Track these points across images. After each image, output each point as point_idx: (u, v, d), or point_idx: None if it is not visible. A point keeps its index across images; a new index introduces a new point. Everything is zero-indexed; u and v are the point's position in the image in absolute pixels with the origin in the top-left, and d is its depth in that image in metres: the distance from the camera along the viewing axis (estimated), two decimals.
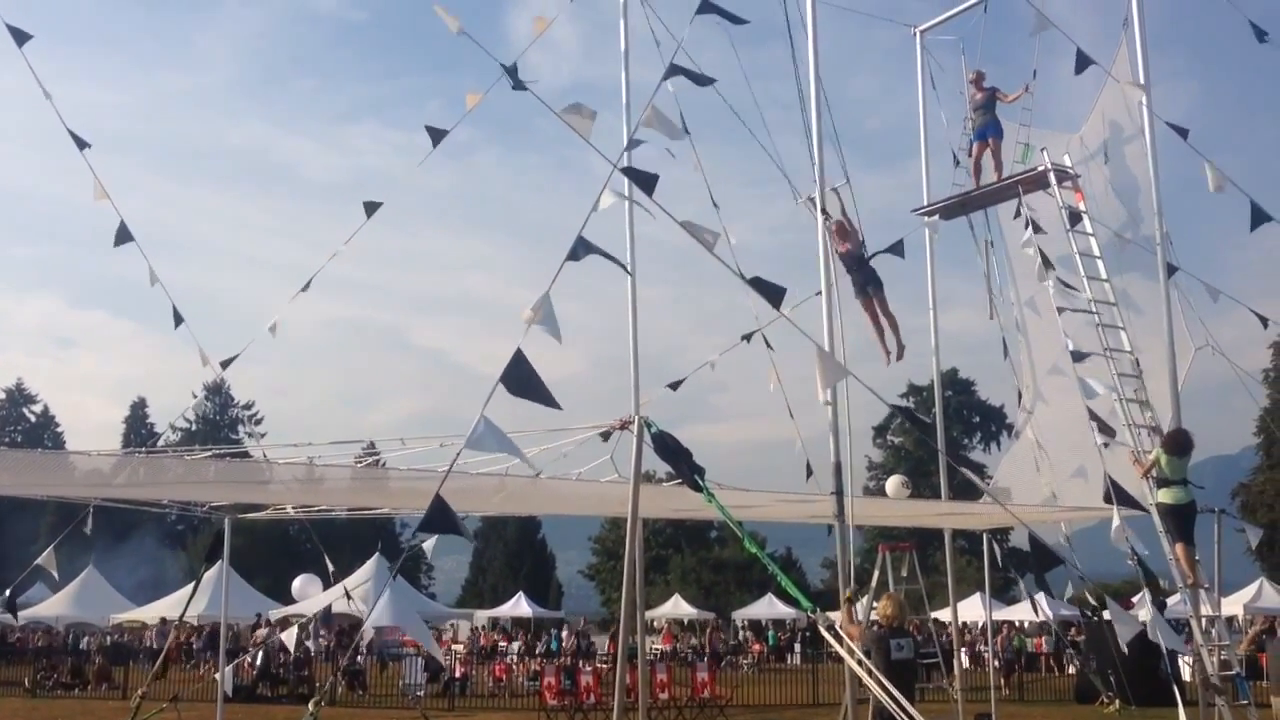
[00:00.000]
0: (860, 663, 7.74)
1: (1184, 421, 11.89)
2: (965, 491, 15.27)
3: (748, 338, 13.44)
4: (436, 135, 11.22)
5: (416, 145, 11.53)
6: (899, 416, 61.92)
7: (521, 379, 6.06)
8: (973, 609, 36.26)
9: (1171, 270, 12.44)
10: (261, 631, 34.15)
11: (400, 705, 24.55)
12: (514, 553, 74.15)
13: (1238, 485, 55.95)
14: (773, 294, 7.47)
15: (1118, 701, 19.20)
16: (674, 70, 8.64)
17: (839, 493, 10.33)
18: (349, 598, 18.70)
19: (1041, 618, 30.17)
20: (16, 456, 14.19)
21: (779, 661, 41.46)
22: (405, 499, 11.64)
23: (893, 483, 15.08)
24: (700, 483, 7.41)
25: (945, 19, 15.28)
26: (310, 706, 6.69)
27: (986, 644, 30.12)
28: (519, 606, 52.62)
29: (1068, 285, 12.73)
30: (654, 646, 37.61)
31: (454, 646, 37.37)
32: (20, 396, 77.31)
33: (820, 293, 11.36)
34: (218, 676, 16.73)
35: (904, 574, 15.43)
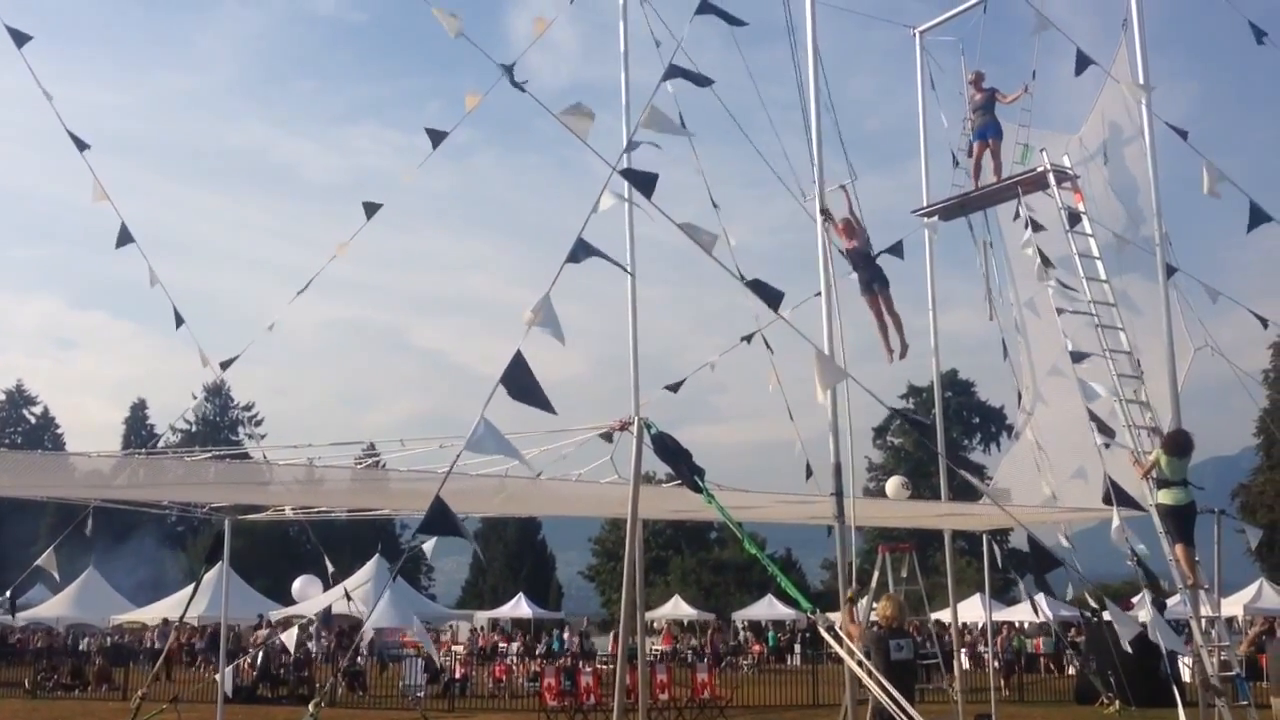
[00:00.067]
0: (860, 663, 7.74)
1: (1184, 422, 11.89)
2: (965, 492, 15.27)
3: (748, 339, 13.45)
4: (436, 137, 11.22)
5: (416, 146, 11.51)
6: (898, 418, 62.00)
7: (520, 381, 6.06)
8: (973, 610, 36.26)
9: (1171, 271, 12.43)
10: (262, 632, 34.18)
11: (400, 706, 24.56)
12: (514, 554, 74.13)
13: (1237, 486, 55.93)
14: (771, 297, 7.47)
15: (1117, 702, 19.18)
16: (673, 71, 8.63)
17: (839, 494, 10.33)
18: (349, 599, 18.68)
19: (1042, 619, 30.19)
20: (16, 458, 14.21)
21: (779, 662, 41.47)
22: (405, 500, 11.64)
23: (893, 484, 15.07)
24: (700, 484, 7.41)
25: (945, 19, 15.29)
26: (310, 707, 6.69)
27: (986, 645, 30.12)
28: (519, 607, 52.61)
29: (1067, 286, 12.73)
30: (654, 647, 37.61)
31: (454, 647, 37.38)
32: (20, 398, 77.33)
33: (820, 294, 11.37)
34: (218, 677, 16.73)
35: (904, 575, 15.43)
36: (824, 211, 11.59)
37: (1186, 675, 15.61)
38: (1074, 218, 13.10)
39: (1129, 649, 11.09)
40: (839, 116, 12.95)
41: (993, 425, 68.59)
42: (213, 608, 32.87)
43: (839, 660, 8.93)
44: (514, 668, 30.84)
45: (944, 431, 15.90)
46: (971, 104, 14.54)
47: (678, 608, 53.28)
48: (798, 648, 42.52)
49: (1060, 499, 13.19)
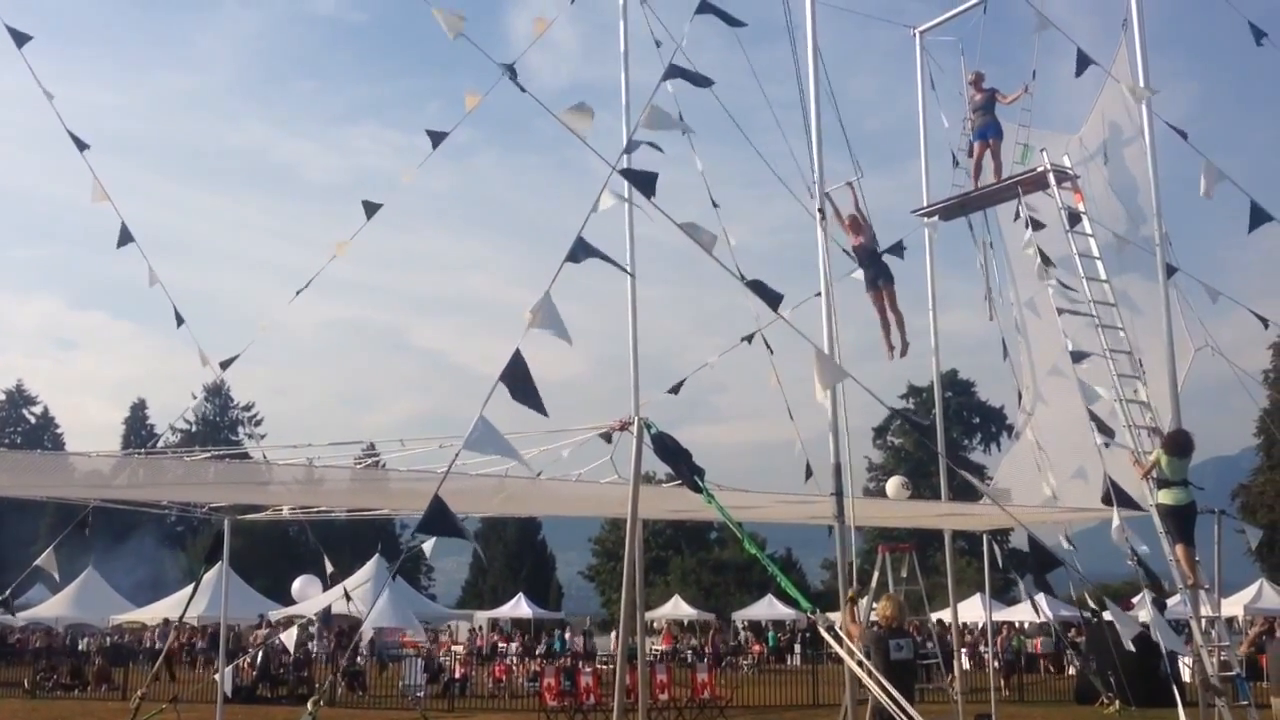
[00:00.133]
0: (860, 663, 7.73)
1: (1184, 422, 11.89)
2: (965, 492, 15.27)
3: (748, 339, 13.44)
4: (436, 137, 11.22)
5: (416, 146, 11.50)
6: (898, 418, 62.02)
7: (518, 381, 6.05)
8: (973, 610, 36.26)
9: (1171, 271, 12.43)
10: (262, 632, 34.18)
11: (400, 706, 24.56)
12: (514, 554, 74.13)
13: (1238, 486, 55.92)
14: (771, 297, 7.47)
15: (1118, 702, 19.18)
16: (673, 71, 8.63)
17: (839, 494, 10.32)
18: (348, 599, 18.68)
19: (1042, 619, 30.18)
20: (16, 458, 14.21)
21: (779, 662, 41.48)
22: (405, 500, 11.64)
23: (893, 484, 15.08)
24: (700, 484, 7.41)
25: (945, 20, 15.29)
26: (309, 706, 6.67)
27: (987, 645, 30.12)
28: (519, 607, 52.62)
29: (1067, 286, 12.73)
30: (654, 647, 37.62)
31: (454, 647, 37.41)
32: (20, 398, 77.34)
33: (820, 294, 11.36)
34: (217, 677, 16.73)
35: (904, 575, 15.43)
36: (820, 211, 11.59)
37: (1186, 675, 15.60)
38: (1074, 218, 13.09)
39: (1131, 648, 11.08)
40: (840, 115, 12.97)
41: (993, 425, 68.60)
42: (212, 608, 32.88)
43: (839, 660, 8.93)
44: (513, 668, 30.84)
45: (944, 431, 15.90)
46: (971, 104, 14.54)
47: (678, 608, 53.30)
48: (798, 648, 42.53)
49: (1060, 499, 13.19)
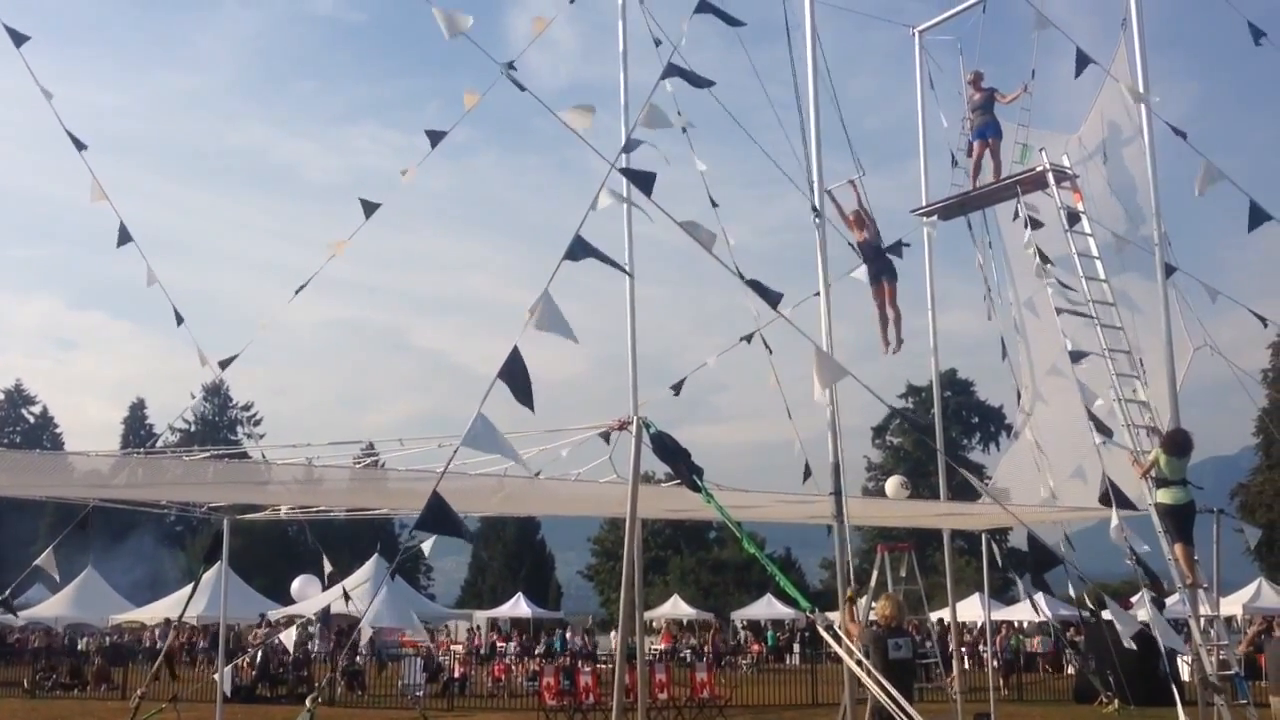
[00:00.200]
0: (859, 663, 7.74)
1: (1183, 422, 11.89)
2: (964, 492, 15.27)
3: (748, 339, 13.45)
4: (435, 137, 11.23)
5: (416, 146, 11.51)
6: (898, 417, 62.06)
7: (516, 378, 6.05)
8: (972, 609, 36.27)
9: (1170, 270, 12.43)
10: (260, 631, 34.18)
11: (400, 705, 24.56)
12: (513, 553, 74.11)
13: (1236, 485, 55.91)
14: (770, 296, 7.48)
15: (1116, 701, 19.20)
16: (672, 70, 8.64)
17: (838, 493, 10.33)
18: (347, 599, 18.67)
19: (1041, 618, 30.18)
20: (15, 457, 14.19)
21: (778, 662, 41.47)
22: (404, 499, 11.64)
23: (892, 483, 15.07)
24: (699, 483, 7.41)
25: (944, 19, 15.30)
26: (308, 703, 6.67)
27: (986, 644, 30.12)
28: (518, 607, 52.61)
29: (1066, 285, 12.73)
30: (653, 646, 37.62)
31: (453, 647, 37.41)
32: (19, 397, 77.29)
33: (819, 293, 11.36)
34: (216, 677, 16.73)
35: (903, 574, 15.42)
36: (814, 209, 11.60)
37: (1185, 674, 15.61)
38: (1073, 217, 13.10)
39: (1133, 646, 11.09)
40: (840, 114, 12.99)
41: (992, 425, 68.60)
42: (211, 607, 32.86)
43: (838, 660, 8.94)
44: (512, 667, 30.84)
45: (943, 431, 15.90)
46: (971, 103, 14.54)
47: (677, 607, 53.30)
48: (797, 647, 42.53)
49: (1059, 498, 13.20)
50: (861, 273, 13.66)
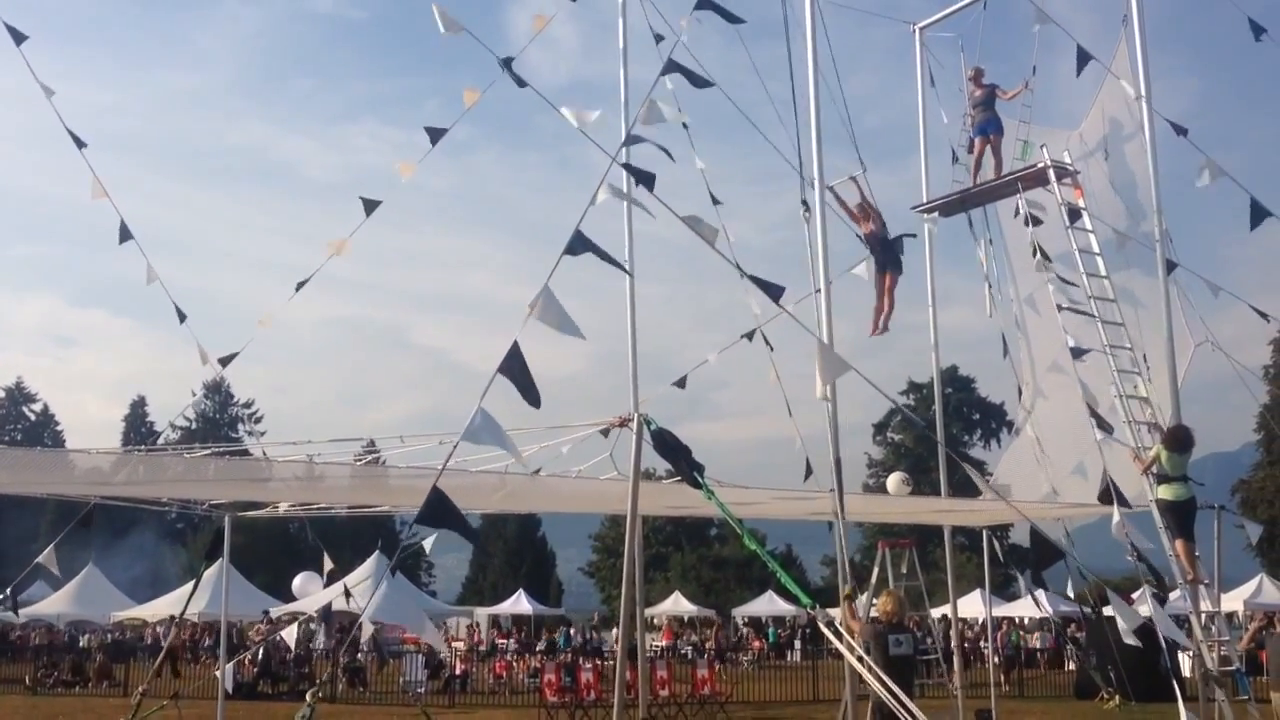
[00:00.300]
0: (860, 659, 7.75)
1: (1184, 418, 11.89)
2: (965, 488, 15.27)
3: (749, 336, 13.46)
4: (435, 135, 11.22)
5: (416, 144, 11.50)
6: (899, 414, 62.08)
7: (516, 373, 6.05)
8: (973, 605, 36.30)
9: (1171, 267, 12.43)
10: (264, 628, 34.19)
11: (401, 702, 24.58)
12: (514, 550, 74.17)
13: (1238, 482, 55.94)
14: (772, 291, 7.49)
15: (1117, 697, 19.22)
16: (672, 66, 8.63)
17: (839, 489, 10.33)
18: (348, 596, 18.70)
19: (1043, 614, 30.20)
20: (16, 455, 14.20)
21: (779, 658, 41.48)
22: (405, 496, 11.65)
23: (893, 480, 15.10)
24: (700, 480, 7.42)
25: (944, 16, 15.28)
26: (308, 698, 6.69)
27: (987, 640, 30.14)
28: (519, 604, 52.65)
29: (1067, 282, 12.73)
30: (654, 643, 37.63)
31: (455, 644, 37.42)
32: (20, 395, 77.37)
33: (819, 290, 11.37)
34: (218, 673, 16.75)
35: (904, 570, 15.43)
36: (804, 204, 11.64)
37: (1186, 670, 15.62)
38: (1074, 214, 13.10)
39: (1137, 643, 11.09)
40: (839, 110, 12.99)
41: (993, 421, 68.61)
42: (213, 604, 32.88)
43: (839, 656, 8.95)
44: (514, 664, 30.84)
45: (944, 428, 15.90)
46: (971, 100, 14.54)
47: (678, 604, 53.34)
48: (798, 643, 42.55)
49: (1060, 494, 13.21)
50: (862, 269, 13.69)
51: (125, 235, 10.30)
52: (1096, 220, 13.20)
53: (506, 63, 7.94)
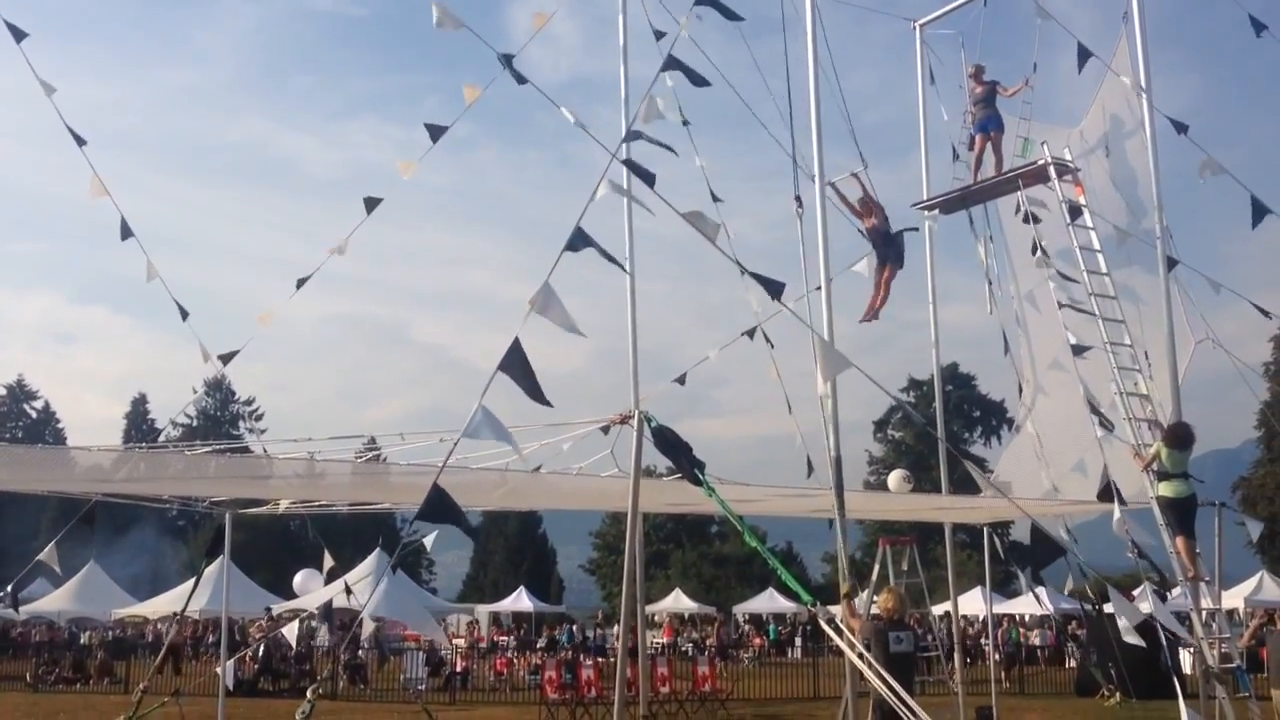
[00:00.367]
0: (860, 656, 7.75)
1: (1184, 415, 11.89)
2: (965, 486, 15.28)
3: (749, 333, 13.46)
4: (435, 131, 11.22)
5: (416, 141, 11.50)
6: (899, 411, 62.08)
7: (517, 370, 6.05)
8: (973, 603, 36.30)
9: (1172, 264, 12.43)
10: (265, 624, 34.17)
11: (402, 699, 24.60)
12: (515, 547, 74.21)
13: (1238, 479, 55.94)
14: (772, 287, 7.48)
15: (1118, 694, 19.24)
16: (672, 62, 8.63)
17: (839, 486, 10.33)
18: (349, 593, 18.70)
19: (1043, 611, 30.22)
20: (17, 452, 14.20)
21: (780, 655, 41.52)
22: (405, 494, 11.65)
23: (894, 477, 15.07)
24: (700, 477, 7.42)
25: (945, 13, 15.26)
26: (309, 695, 6.69)
27: (987, 637, 30.15)
28: (520, 601, 52.68)
29: (1068, 279, 12.73)
30: (655, 640, 37.64)
31: (455, 640, 37.43)
32: (21, 393, 77.37)
33: (819, 287, 11.36)
34: (219, 670, 16.76)
35: (904, 568, 15.43)
36: (798, 199, 11.64)
37: (1187, 667, 15.63)
38: (1075, 211, 13.09)
39: (1138, 640, 11.09)
40: (839, 107, 12.97)
41: (993, 419, 68.61)
42: (214, 601, 32.90)
43: (840, 653, 8.95)
44: (514, 661, 30.85)
45: (944, 425, 15.90)
46: (972, 97, 14.52)
47: (678, 601, 53.36)
48: (799, 641, 42.58)
49: (1061, 492, 13.21)
50: (863, 265, 13.69)
51: (126, 233, 10.30)
52: (1097, 217, 13.19)
53: (507, 59, 7.94)
